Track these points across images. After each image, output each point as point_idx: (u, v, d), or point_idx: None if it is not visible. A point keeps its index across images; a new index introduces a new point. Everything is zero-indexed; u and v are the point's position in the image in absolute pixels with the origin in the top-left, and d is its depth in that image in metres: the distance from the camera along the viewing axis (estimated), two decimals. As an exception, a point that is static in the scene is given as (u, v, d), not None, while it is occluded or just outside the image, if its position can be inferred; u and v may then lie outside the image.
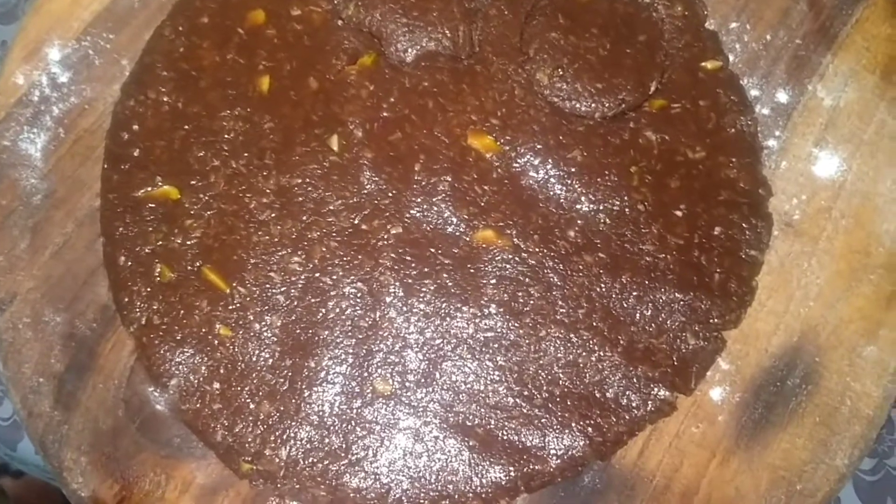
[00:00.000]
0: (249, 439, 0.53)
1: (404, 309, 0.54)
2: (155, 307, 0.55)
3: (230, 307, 0.54)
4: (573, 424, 0.53)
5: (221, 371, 0.54)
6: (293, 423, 0.53)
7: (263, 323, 0.54)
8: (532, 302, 0.54)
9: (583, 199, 0.55)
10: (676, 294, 0.54)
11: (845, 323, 0.55)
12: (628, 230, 0.55)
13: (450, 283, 0.54)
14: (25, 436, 0.67)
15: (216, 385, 0.54)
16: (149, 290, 0.55)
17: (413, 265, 0.55)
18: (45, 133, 0.59)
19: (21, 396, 0.56)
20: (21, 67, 0.59)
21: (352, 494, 0.53)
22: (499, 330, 0.54)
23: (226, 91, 0.57)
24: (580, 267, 0.55)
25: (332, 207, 0.55)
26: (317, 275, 0.55)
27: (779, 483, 0.53)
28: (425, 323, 0.54)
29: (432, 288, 0.54)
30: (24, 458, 0.70)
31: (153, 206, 0.56)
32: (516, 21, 0.57)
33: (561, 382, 0.53)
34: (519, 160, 0.55)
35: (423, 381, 0.54)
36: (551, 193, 0.55)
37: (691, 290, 0.54)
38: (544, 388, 0.53)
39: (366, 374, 0.54)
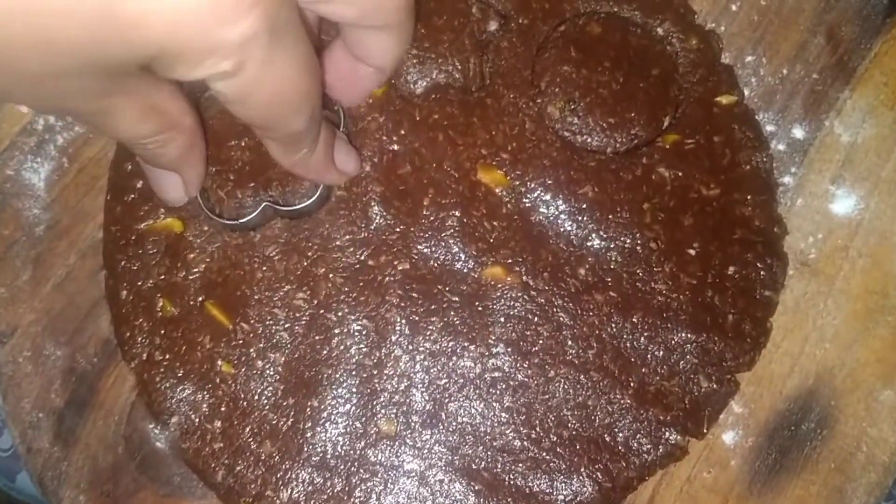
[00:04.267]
0: (250, 480, 0.52)
1: (410, 347, 0.53)
2: (157, 342, 0.54)
3: (233, 343, 0.54)
4: (582, 469, 0.52)
5: (223, 409, 0.53)
6: (295, 464, 0.52)
7: (267, 360, 0.53)
8: (541, 342, 0.53)
9: (594, 236, 0.54)
10: (689, 335, 0.53)
11: (862, 366, 0.54)
12: (640, 269, 0.54)
13: (457, 321, 0.53)
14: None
15: (217, 423, 0.53)
16: (150, 324, 0.54)
17: (420, 302, 0.54)
18: (49, 163, 0.58)
19: (20, 431, 0.55)
20: (25, 95, 0.59)
21: (354, 538, 0.52)
22: (507, 370, 0.53)
23: (232, 120, 0.56)
24: (591, 306, 0.53)
25: (338, 243, 0.54)
26: (322, 311, 0.54)
27: (793, 531, 0.52)
28: (431, 362, 0.53)
29: (439, 326, 0.53)
30: (23, 489, 0.69)
31: (156, 238, 0.55)
32: (528, 54, 0.56)
33: (570, 425, 0.52)
34: (529, 195, 0.54)
35: (428, 421, 0.53)
36: (562, 230, 0.54)
37: (704, 332, 0.53)
38: (553, 430, 0.52)
39: (370, 414, 0.53)
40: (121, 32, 0.29)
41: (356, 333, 0.53)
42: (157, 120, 0.39)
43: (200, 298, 0.54)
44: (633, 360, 0.53)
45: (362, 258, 0.54)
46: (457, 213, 0.54)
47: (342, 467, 0.52)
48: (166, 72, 0.33)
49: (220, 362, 0.53)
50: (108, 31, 0.29)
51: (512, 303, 0.53)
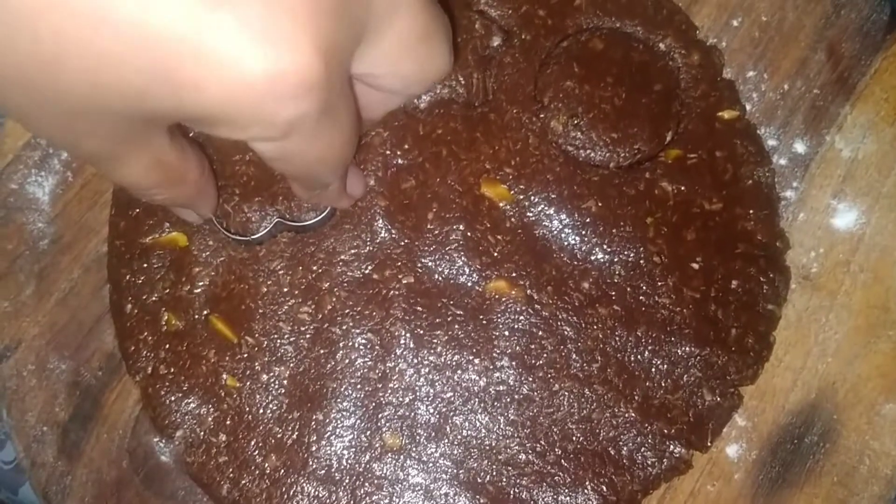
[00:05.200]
0: (256, 494, 0.52)
1: (415, 361, 0.53)
2: (161, 356, 0.54)
3: (238, 357, 0.54)
4: (587, 482, 0.52)
5: (228, 423, 0.53)
6: (300, 478, 0.52)
7: (271, 374, 0.53)
8: (545, 355, 0.53)
9: (597, 249, 0.54)
10: (693, 349, 0.53)
11: (864, 380, 0.54)
12: (643, 282, 0.54)
13: (461, 335, 0.54)
14: (27, 480, 0.66)
15: (222, 437, 0.53)
16: (155, 338, 0.55)
17: (424, 316, 0.54)
18: (53, 176, 0.58)
19: (25, 445, 0.55)
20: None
21: (359, 552, 0.52)
22: (511, 383, 0.53)
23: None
24: (594, 320, 0.54)
25: (343, 257, 0.54)
26: (326, 325, 0.54)
27: (797, 545, 0.52)
28: (436, 375, 0.53)
29: (444, 339, 0.53)
30: (26, 501, 0.69)
31: (161, 252, 0.56)
32: (531, 69, 0.57)
33: (574, 438, 0.53)
34: (533, 209, 0.55)
35: (433, 435, 0.53)
36: (565, 244, 0.54)
37: (708, 345, 0.53)
38: (557, 444, 0.52)
39: (375, 428, 0.53)
40: (174, 90, 0.30)
41: (361, 347, 0.53)
42: (163, 174, 0.40)
43: (205, 312, 0.54)
44: (637, 373, 0.53)
45: (367, 272, 0.54)
46: (461, 228, 0.54)
47: (347, 481, 0.52)
48: (206, 129, 0.33)
49: (224, 376, 0.53)
50: (161, 87, 0.30)
51: (516, 316, 0.54)
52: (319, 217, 0.53)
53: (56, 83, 0.30)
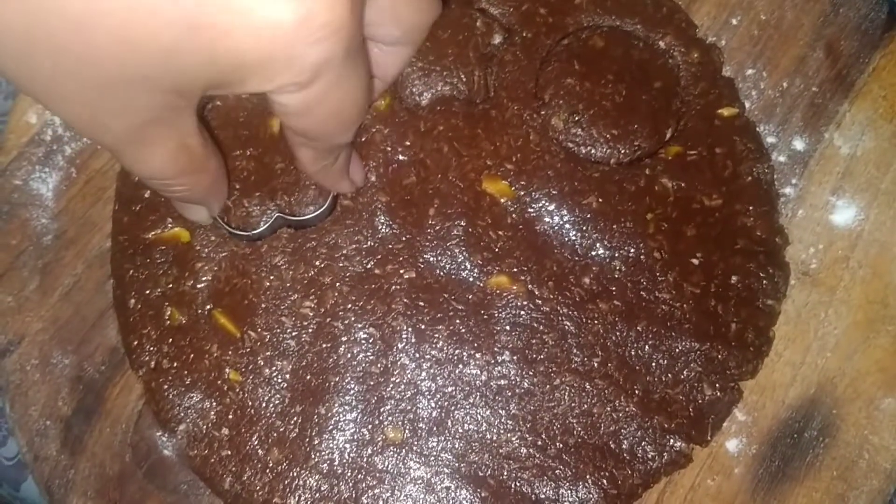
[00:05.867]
0: (258, 487, 0.53)
1: (416, 355, 0.54)
2: (164, 351, 0.54)
3: (240, 352, 0.54)
4: (587, 476, 0.52)
5: (230, 417, 0.53)
6: (303, 471, 0.53)
7: (274, 368, 0.54)
8: (546, 350, 0.54)
9: (598, 245, 0.55)
10: (693, 343, 0.54)
11: (863, 375, 0.55)
12: (644, 278, 0.54)
13: (463, 330, 0.54)
14: (29, 476, 0.66)
15: (225, 431, 0.53)
16: (158, 333, 0.55)
17: (426, 311, 0.54)
18: (57, 173, 0.58)
19: (27, 439, 0.55)
20: (34, 106, 0.59)
21: (361, 545, 0.52)
22: (512, 378, 0.53)
23: (238, 131, 0.57)
24: (595, 315, 0.54)
25: (345, 252, 0.54)
26: (328, 320, 0.54)
27: (796, 538, 0.53)
28: (438, 370, 0.54)
29: (445, 334, 0.54)
30: (27, 497, 0.69)
31: (163, 248, 0.56)
32: (532, 66, 0.57)
33: (575, 432, 0.53)
34: (534, 205, 0.55)
35: (435, 429, 0.53)
36: (566, 239, 0.55)
37: (708, 340, 0.54)
38: (558, 438, 0.53)
39: (377, 422, 0.53)
40: (205, 42, 0.30)
41: (363, 341, 0.54)
42: (186, 160, 0.40)
43: (208, 307, 0.55)
44: (637, 368, 0.53)
45: (368, 267, 0.54)
46: (462, 223, 0.55)
47: (349, 474, 0.53)
48: (237, 85, 0.33)
49: (227, 370, 0.54)
50: (192, 40, 0.30)
51: (517, 311, 0.54)
52: (319, 211, 0.53)
53: (86, 44, 0.29)
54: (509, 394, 0.53)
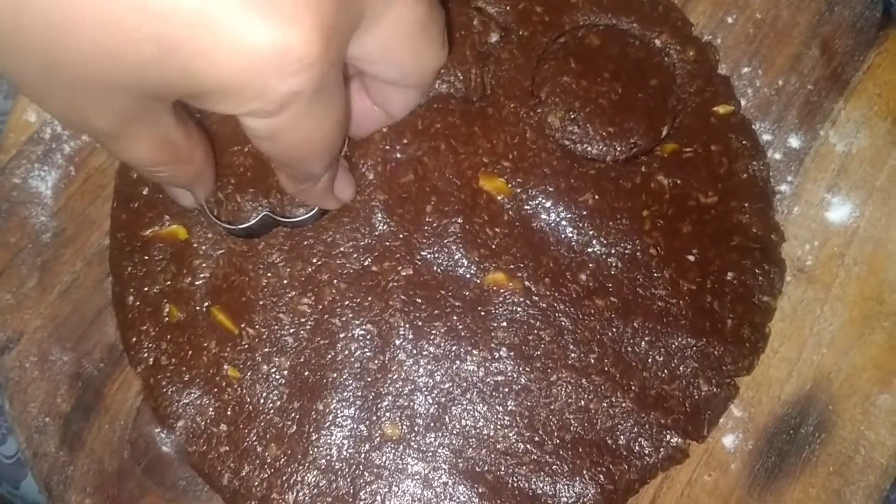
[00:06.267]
0: (256, 483, 0.53)
1: (414, 352, 0.54)
2: (163, 347, 0.55)
3: (238, 348, 0.54)
4: (584, 472, 0.53)
5: (229, 413, 0.54)
6: (301, 467, 0.53)
7: (272, 364, 0.54)
8: (543, 346, 0.54)
9: (594, 242, 0.55)
10: (689, 340, 0.54)
11: (858, 371, 0.55)
12: (640, 274, 0.55)
13: (460, 326, 0.54)
14: (29, 474, 0.66)
15: (223, 427, 0.54)
16: (157, 330, 0.55)
17: (423, 307, 0.54)
18: (56, 171, 0.59)
19: (26, 436, 0.55)
20: (33, 105, 0.59)
21: (359, 540, 0.52)
22: (509, 374, 0.54)
23: (236, 128, 0.57)
24: (592, 311, 0.54)
25: (342, 249, 0.55)
26: (326, 316, 0.54)
27: (793, 533, 0.53)
28: (435, 366, 0.54)
29: (442, 330, 0.54)
30: (27, 496, 0.69)
31: (161, 245, 0.56)
32: (528, 65, 0.57)
33: (572, 428, 0.53)
34: (530, 203, 0.55)
35: (432, 425, 0.53)
36: (562, 236, 0.55)
37: (704, 336, 0.54)
38: (555, 433, 0.53)
39: (374, 418, 0.53)
40: (183, 61, 0.31)
41: (360, 338, 0.54)
42: (170, 152, 0.41)
43: (206, 304, 0.55)
44: (633, 364, 0.54)
45: (366, 264, 0.55)
46: (459, 221, 0.55)
47: (347, 470, 0.53)
48: (206, 104, 0.34)
49: (225, 367, 0.54)
50: (170, 58, 0.30)
51: (514, 308, 0.54)
52: (307, 215, 0.53)
53: (67, 51, 0.30)
54: (506, 390, 0.53)
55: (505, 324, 0.54)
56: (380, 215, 0.55)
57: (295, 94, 0.33)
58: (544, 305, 0.54)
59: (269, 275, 0.55)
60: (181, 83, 0.32)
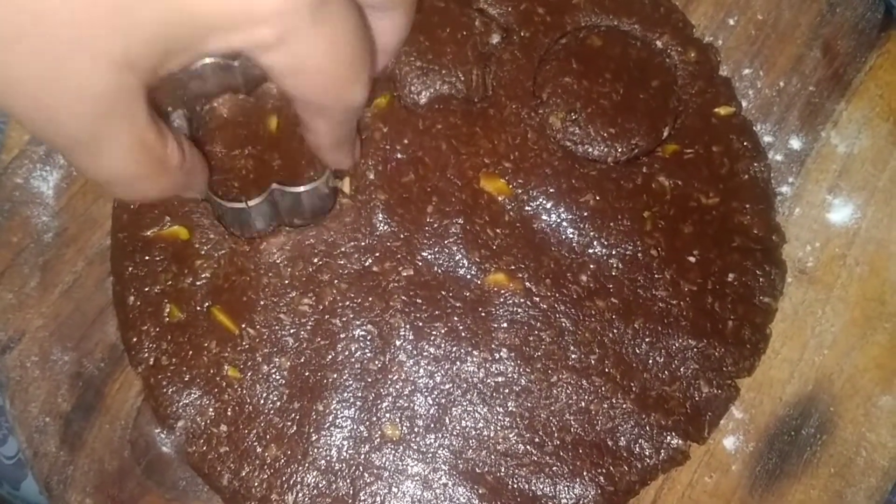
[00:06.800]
0: (256, 483, 0.53)
1: (414, 352, 0.54)
2: (163, 347, 0.55)
3: (239, 348, 0.54)
4: (584, 473, 0.52)
5: (229, 413, 0.54)
6: (300, 468, 0.53)
7: (272, 365, 0.54)
8: (543, 347, 0.54)
9: (595, 243, 0.55)
10: (690, 341, 0.54)
11: (860, 372, 0.55)
12: (641, 275, 0.55)
13: (460, 327, 0.54)
14: (29, 475, 0.66)
15: (223, 427, 0.53)
16: (158, 329, 0.55)
17: (424, 308, 0.54)
18: (58, 171, 0.59)
19: (27, 436, 0.55)
20: (35, 105, 0.59)
21: (359, 541, 0.52)
22: (510, 375, 0.54)
23: (237, 131, 0.57)
24: (592, 312, 0.54)
25: (343, 249, 0.55)
26: (327, 317, 0.54)
27: (793, 535, 0.53)
28: (435, 367, 0.54)
29: (443, 331, 0.54)
30: (27, 497, 0.69)
31: (163, 245, 0.56)
32: (529, 65, 0.57)
33: (572, 429, 0.53)
34: (531, 203, 0.55)
35: (432, 426, 0.53)
36: (563, 237, 0.55)
37: (705, 338, 0.54)
38: (555, 434, 0.53)
39: (374, 419, 0.53)
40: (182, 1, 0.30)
41: (361, 338, 0.54)
42: (147, 158, 0.38)
43: (207, 304, 0.55)
44: (634, 365, 0.54)
45: (367, 264, 0.55)
46: (460, 221, 0.55)
47: (347, 471, 0.53)
48: (198, 44, 0.32)
49: (226, 367, 0.54)
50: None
51: (515, 308, 0.54)
52: (314, 184, 0.52)
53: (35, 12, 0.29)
54: (506, 391, 0.53)
55: (505, 325, 0.54)
56: (381, 215, 0.55)
57: (286, 12, 0.31)
58: (545, 306, 0.54)
59: (269, 275, 0.55)
60: (163, 22, 0.30)
